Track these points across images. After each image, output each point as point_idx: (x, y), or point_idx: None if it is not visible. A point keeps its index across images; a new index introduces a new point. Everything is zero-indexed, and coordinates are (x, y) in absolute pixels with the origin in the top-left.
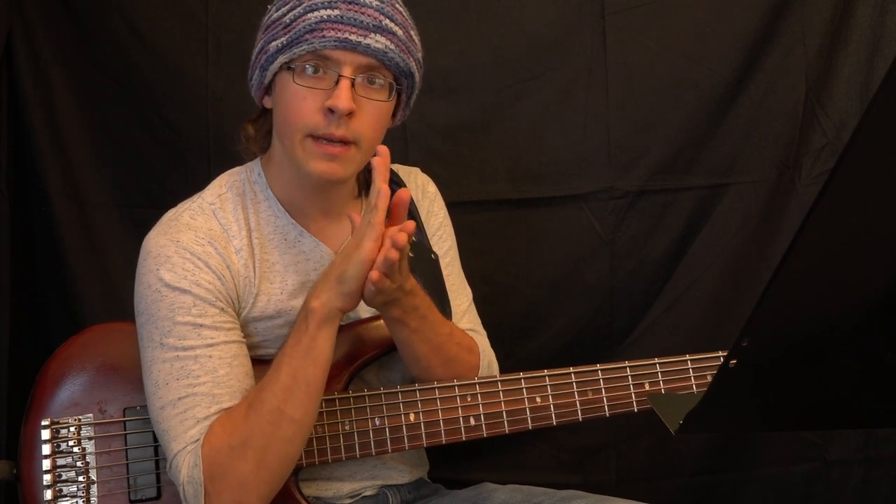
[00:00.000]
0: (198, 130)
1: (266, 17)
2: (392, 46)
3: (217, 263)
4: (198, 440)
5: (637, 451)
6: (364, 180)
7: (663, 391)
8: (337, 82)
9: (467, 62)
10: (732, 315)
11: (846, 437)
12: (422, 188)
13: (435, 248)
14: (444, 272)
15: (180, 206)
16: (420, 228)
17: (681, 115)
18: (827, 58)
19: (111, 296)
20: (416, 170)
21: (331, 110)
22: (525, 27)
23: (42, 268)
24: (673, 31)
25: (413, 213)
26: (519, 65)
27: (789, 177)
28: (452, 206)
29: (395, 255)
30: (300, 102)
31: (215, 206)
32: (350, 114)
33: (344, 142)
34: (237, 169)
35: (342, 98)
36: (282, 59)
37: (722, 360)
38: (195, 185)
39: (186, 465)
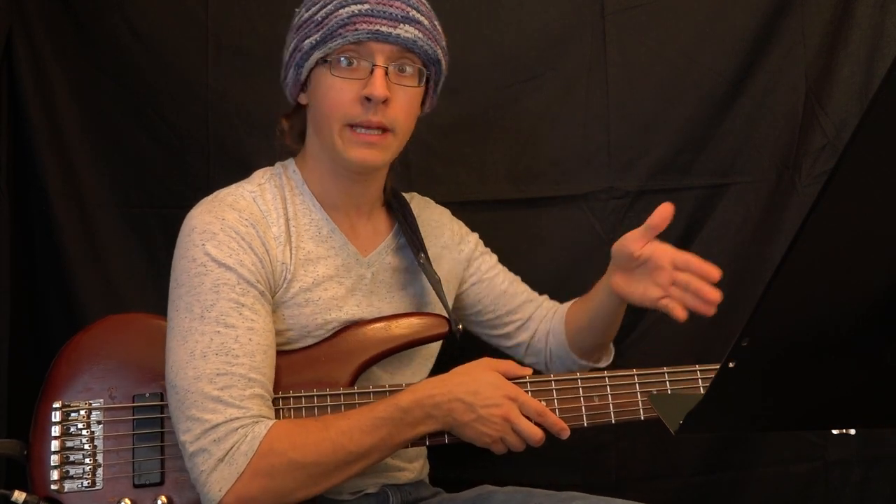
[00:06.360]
0: (198, 130)
1: (296, 19)
2: (420, 35)
3: (258, 246)
4: (241, 421)
5: (637, 451)
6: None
7: None
8: (371, 72)
9: (467, 62)
10: (732, 315)
11: (846, 437)
12: (450, 224)
13: (483, 267)
14: (500, 277)
15: (218, 192)
16: (426, 253)
17: (681, 115)
18: (827, 58)
19: (111, 295)
20: (445, 210)
21: (367, 98)
22: (525, 27)
23: (42, 268)
24: (673, 31)
25: (419, 238)
26: (519, 64)
27: (789, 177)
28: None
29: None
30: (337, 94)
31: (255, 194)
32: (385, 101)
33: (381, 129)
34: (271, 167)
35: (378, 86)
36: (317, 54)
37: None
38: (195, 185)
39: (234, 439)
